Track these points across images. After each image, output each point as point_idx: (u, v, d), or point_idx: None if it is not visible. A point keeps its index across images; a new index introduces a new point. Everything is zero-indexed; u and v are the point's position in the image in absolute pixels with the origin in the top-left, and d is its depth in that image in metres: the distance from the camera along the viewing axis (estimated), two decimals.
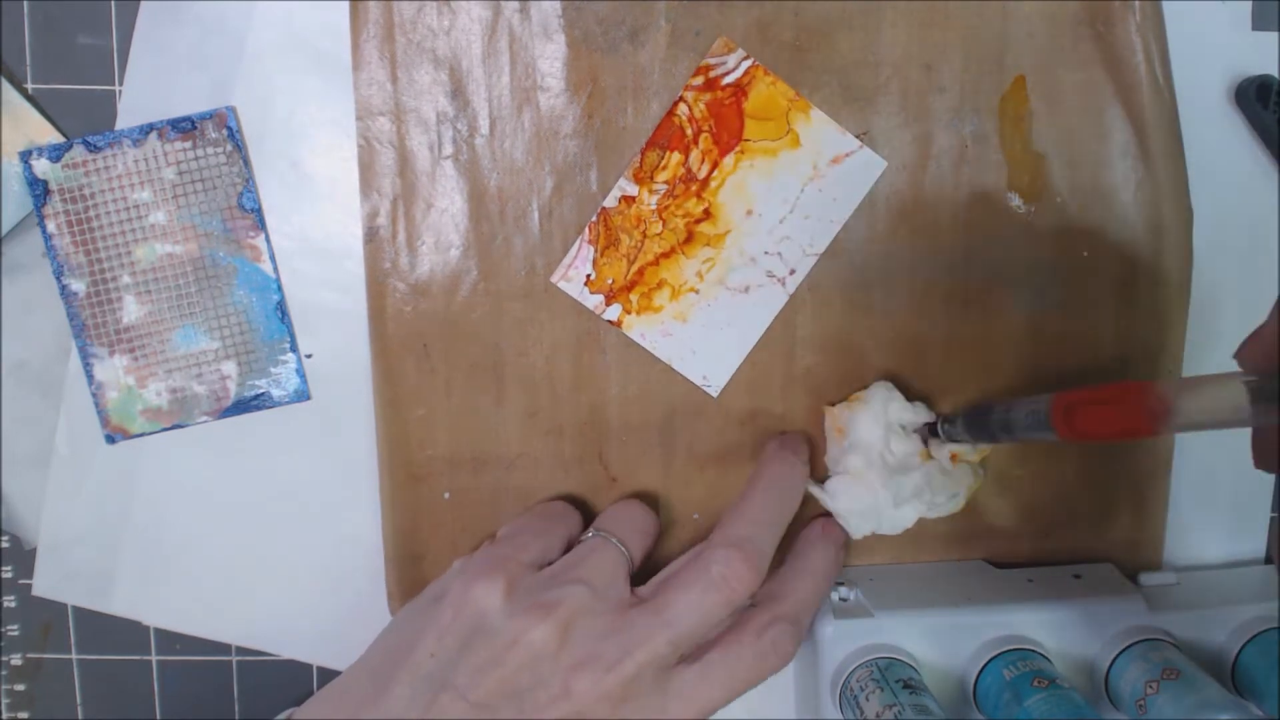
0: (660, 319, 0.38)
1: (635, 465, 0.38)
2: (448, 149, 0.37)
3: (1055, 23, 0.37)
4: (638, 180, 0.37)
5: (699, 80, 0.36)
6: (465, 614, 0.32)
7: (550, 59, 0.36)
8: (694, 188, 0.37)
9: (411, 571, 0.38)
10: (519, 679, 0.31)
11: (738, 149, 0.37)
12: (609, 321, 0.37)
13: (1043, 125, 0.37)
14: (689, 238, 0.37)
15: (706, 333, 0.38)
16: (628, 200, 0.37)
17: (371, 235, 0.37)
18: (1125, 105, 0.37)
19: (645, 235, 0.37)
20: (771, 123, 0.37)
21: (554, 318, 0.37)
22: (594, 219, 0.37)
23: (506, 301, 0.37)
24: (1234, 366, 0.27)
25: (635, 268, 0.37)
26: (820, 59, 0.37)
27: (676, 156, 0.37)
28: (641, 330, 0.38)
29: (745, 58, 0.36)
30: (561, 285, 0.37)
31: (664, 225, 0.37)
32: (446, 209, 0.37)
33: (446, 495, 0.38)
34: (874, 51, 0.37)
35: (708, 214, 0.37)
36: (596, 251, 0.37)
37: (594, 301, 0.37)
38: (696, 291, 0.38)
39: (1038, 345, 0.38)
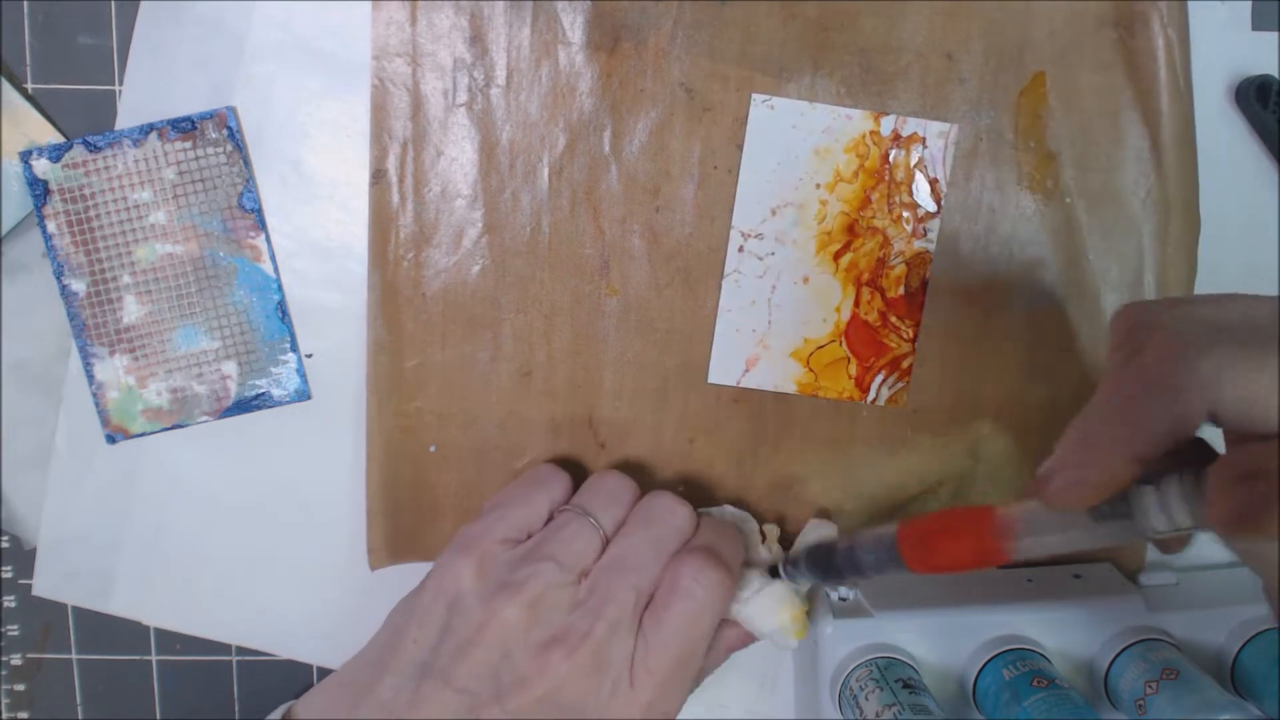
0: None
1: (625, 432, 0.38)
2: (462, 96, 0.37)
3: (1078, 22, 0.37)
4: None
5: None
6: (441, 597, 0.33)
7: (574, 13, 0.36)
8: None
9: (392, 526, 0.38)
10: (494, 660, 0.31)
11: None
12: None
13: (1058, 124, 0.37)
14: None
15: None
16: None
17: (379, 177, 0.37)
18: (1142, 112, 0.37)
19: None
20: None
21: (555, 278, 0.37)
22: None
23: (510, 257, 0.37)
24: None
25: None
26: (843, 39, 0.37)
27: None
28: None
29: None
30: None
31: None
32: (456, 158, 0.37)
33: (433, 449, 0.38)
34: (897, 36, 0.37)
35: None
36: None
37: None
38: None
39: (1036, 344, 0.38)
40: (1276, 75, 0.38)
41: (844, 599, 0.37)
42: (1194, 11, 0.37)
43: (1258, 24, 0.38)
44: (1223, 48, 0.38)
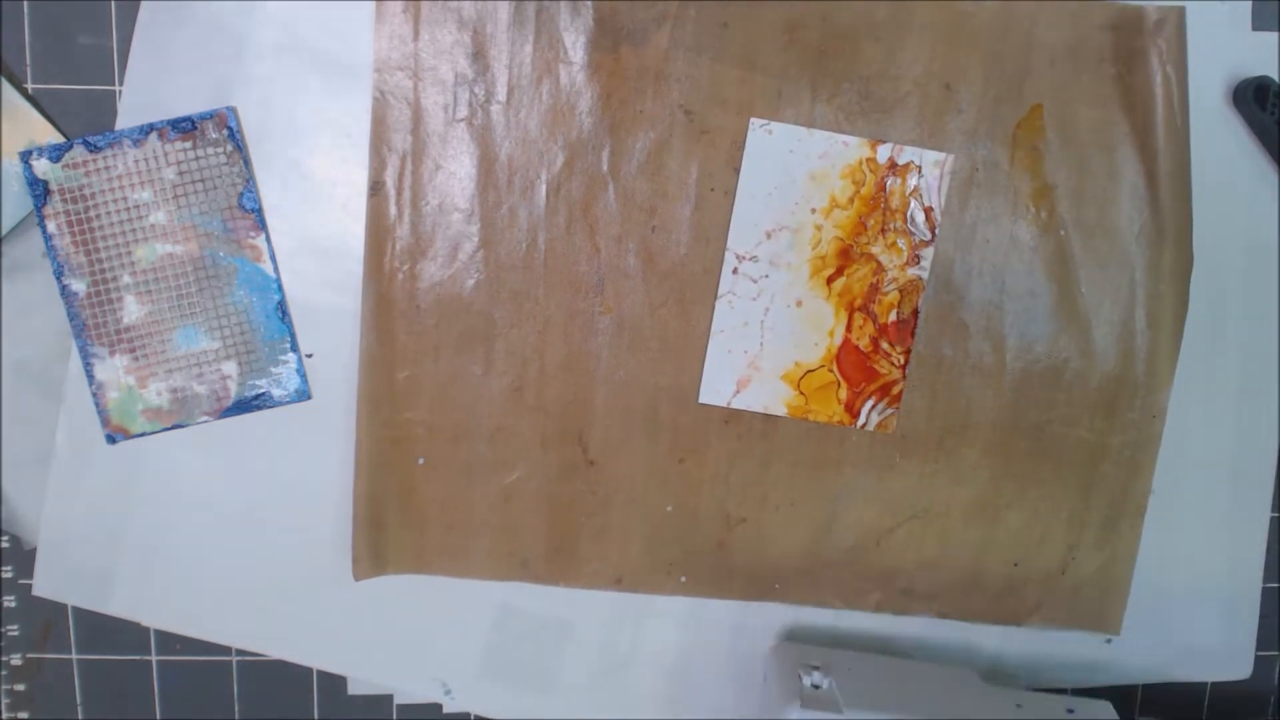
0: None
1: (615, 450, 0.39)
2: (462, 111, 0.37)
3: (1078, 57, 0.37)
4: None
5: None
6: None
7: (575, 33, 0.36)
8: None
9: (377, 537, 0.38)
10: None
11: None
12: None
13: (1055, 157, 0.37)
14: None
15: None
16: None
17: (377, 189, 0.37)
18: (1138, 147, 0.37)
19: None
20: None
21: (550, 294, 0.38)
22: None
23: (505, 272, 0.37)
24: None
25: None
26: (842, 66, 0.37)
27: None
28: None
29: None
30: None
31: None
32: (455, 172, 0.37)
33: (421, 461, 0.38)
34: (896, 64, 0.37)
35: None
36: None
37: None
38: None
39: (1026, 374, 0.39)
40: (1276, 77, 0.38)
41: (816, 686, 0.36)
42: (1194, 11, 0.37)
43: (1258, 24, 0.39)
44: (1222, 48, 0.38)
